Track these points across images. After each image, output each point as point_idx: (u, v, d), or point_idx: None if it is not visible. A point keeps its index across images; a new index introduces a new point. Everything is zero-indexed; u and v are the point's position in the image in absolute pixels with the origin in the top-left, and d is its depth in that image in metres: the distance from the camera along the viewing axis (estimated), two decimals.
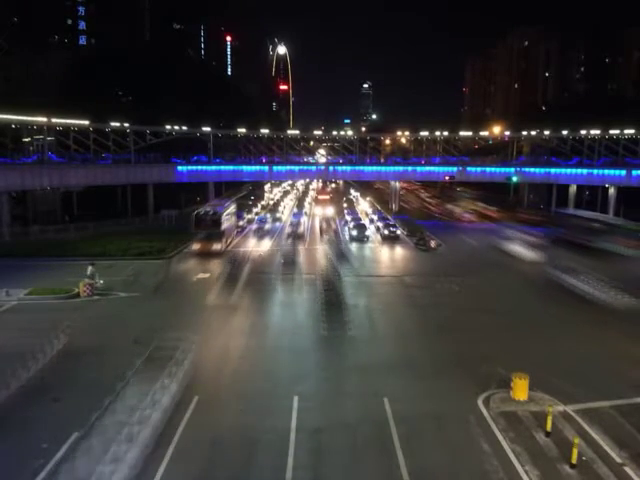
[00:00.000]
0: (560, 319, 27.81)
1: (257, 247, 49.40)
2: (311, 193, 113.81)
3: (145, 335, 24.69)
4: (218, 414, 17.49)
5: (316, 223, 65.46)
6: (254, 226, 60.18)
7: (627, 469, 14.45)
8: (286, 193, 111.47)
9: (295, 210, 72.72)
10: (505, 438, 15.95)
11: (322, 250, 47.35)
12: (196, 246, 44.27)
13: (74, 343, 23.25)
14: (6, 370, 19.19)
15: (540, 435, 16.14)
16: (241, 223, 60.45)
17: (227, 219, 48.07)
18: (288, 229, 56.46)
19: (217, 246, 44.14)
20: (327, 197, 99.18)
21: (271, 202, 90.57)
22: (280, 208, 77.30)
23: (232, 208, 52.82)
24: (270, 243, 51.72)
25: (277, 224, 64.09)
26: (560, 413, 17.44)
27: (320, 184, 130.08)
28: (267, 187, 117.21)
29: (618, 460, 14.87)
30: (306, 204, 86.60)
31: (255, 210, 73.02)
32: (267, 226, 60.12)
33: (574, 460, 14.47)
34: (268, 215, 67.25)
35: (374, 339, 24.99)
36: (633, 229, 46.00)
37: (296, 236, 53.02)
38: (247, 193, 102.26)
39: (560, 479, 14.10)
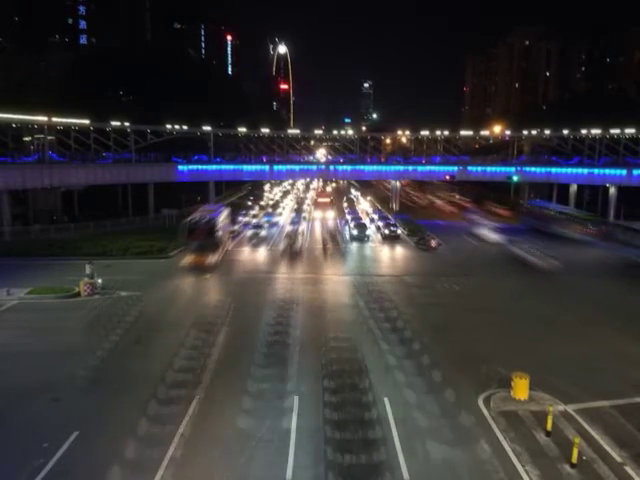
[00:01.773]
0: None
1: (248, 263, 43.08)
2: (311, 193, 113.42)
3: (146, 335, 24.84)
4: None
5: (316, 230, 60.77)
6: (249, 232, 55.92)
7: (627, 469, 14.44)
8: (286, 193, 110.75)
9: (293, 214, 67.23)
10: (505, 438, 15.95)
11: (324, 274, 39.24)
12: (189, 259, 38.71)
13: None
14: (6, 369, 19.25)
15: (540, 435, 16.13)
16: (236, 227, 56.54)
17: (222, 226, 43.84)
18: (284, 241, 48.42)
19: (213, 258, 39.18)
20: (327, 200, 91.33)
21: (270, 202, 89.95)
22: (279, 210, 74.88)
23: (226, 213, 48.64)
24: (264, 257, 45.83)
25: (274, 229, 59.58)
26: (560, 412, 17.44)
27: (320, 183, 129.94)
28: (267, 187, 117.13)
29: (618, 460, 14.86)
30: (305, 206, 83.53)
31: (252, 212, 70.14)
32: (263, 232, 55.90)
33: (574, 460, 14.47)
34: (264, 219, 63.57)
35: (373, 339, 24.98)
36: (584, 218, 56.21)
37: (292, 252, 45.17)
38: (246, 193, 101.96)
39: (560, 479, 14.09)
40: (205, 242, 39.05)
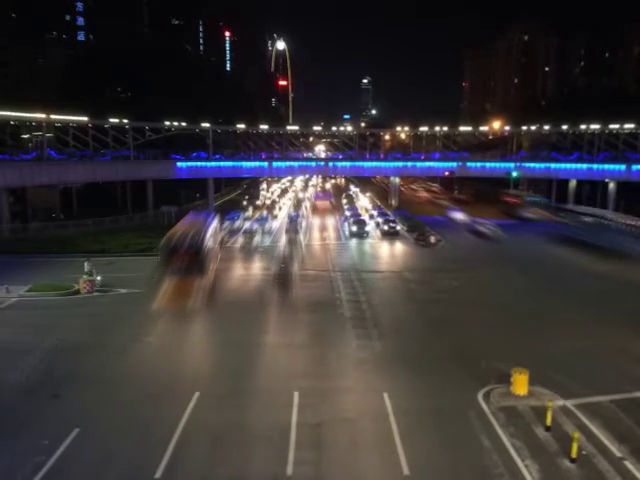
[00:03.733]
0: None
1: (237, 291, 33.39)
2: (310, 190, 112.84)
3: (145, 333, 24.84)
4: None
5: (314, 240, 52.76)
6: (241, 238, 50.29)
7: (627, 463, 14.47)
8: (284, 191, 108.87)
9: (288, 221, 58.94)
10: (505, 433, 15.97)
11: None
12: (168, 292, 27.60)
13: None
14: (6, 367, 19.24)
15: (540, 430, 16.16)
16: (226, 232, 51.16)
17: (211, 241, 33.94)
18: (276, 261, 36.61)
19: (199, 292, 28.21)
20: (327, 203, 79.12)
21: (267, 201, 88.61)
22: (275, 211, 71.00)
23: (215, 223, 38.79)
24: (258, 271, 39.01)
25: (267, 238, 52.70)
26: (560, 408, 17.46)
27: (319, 180, 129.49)
28: (264, 184, 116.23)
29: (618, 454, 14.89)
30: (302, 209, 73.01)
31: (246, 214, 65.67)
32: (257, 238, 50.60)
33: (574, 454, 14.49)
34: (257, 224, 56.03)
35: (373, 334, 24.98)
36: (542, 202, 67.44)
37: (283, 283, 32.45)
38: (241, 192, 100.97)
39: (560, 473, 14.12)
40: (189, 266, 28.59)
